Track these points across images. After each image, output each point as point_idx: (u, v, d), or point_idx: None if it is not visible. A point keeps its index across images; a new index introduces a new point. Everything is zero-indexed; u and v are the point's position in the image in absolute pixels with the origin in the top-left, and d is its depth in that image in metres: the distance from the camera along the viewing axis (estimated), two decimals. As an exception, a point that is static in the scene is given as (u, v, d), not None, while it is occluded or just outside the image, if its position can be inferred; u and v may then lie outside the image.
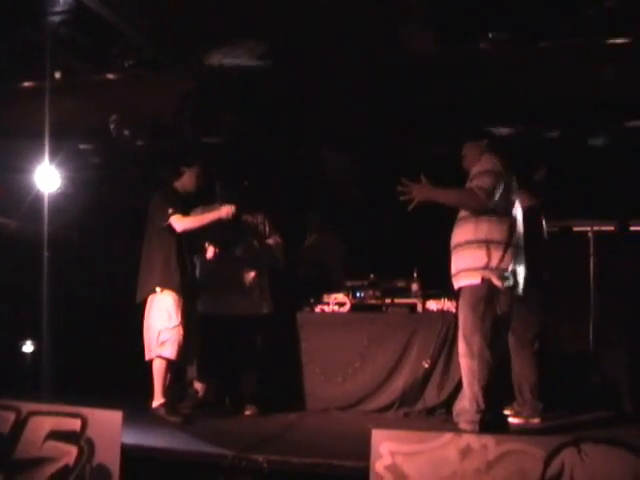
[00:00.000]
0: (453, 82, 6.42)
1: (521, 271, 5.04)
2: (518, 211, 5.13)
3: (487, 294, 4.91)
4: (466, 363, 4.96)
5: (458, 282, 5.10)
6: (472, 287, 4.98)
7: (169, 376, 5.74)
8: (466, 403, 4.94)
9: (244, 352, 6.19)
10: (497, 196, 4.93)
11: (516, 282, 4.99)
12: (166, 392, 5.71)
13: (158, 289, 5.73)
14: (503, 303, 4.95)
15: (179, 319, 5.72)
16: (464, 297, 5.05)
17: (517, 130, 7.05)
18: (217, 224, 6.04)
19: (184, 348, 5.75)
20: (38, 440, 4.36)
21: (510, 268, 4.92)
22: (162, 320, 5.73)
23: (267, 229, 6.45)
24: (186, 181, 6.09)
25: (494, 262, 4.91)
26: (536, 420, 5.76)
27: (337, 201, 7.97)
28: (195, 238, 6.02)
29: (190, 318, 5.86)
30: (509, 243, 4.96)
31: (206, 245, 6.11)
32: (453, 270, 5.12)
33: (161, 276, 5.75)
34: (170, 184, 6.08)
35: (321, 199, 8.00)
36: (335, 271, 7.21)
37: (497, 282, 4.89)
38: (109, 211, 7.04)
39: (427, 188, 5.06)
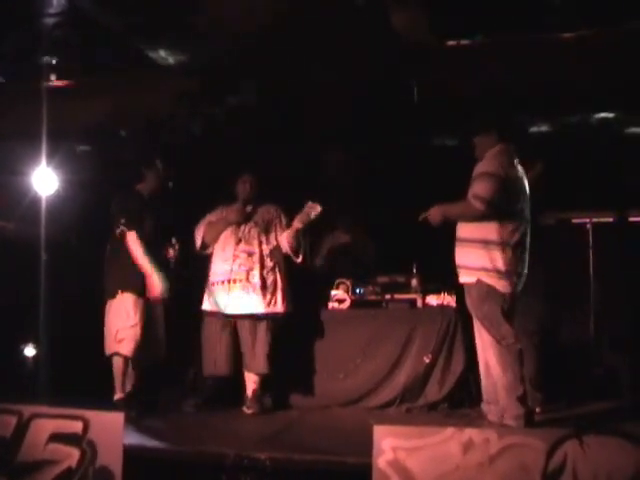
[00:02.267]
0: (454, 74, 6.41)
1: (523, 270, 5.06)
2: (527, 209, 5.13)
3: (486, 293, 4.97)
4: (494, 352, 5.00)
5: (460, 276, 5.17)
6: (471, 286, 5.06)
7: (129, 372, 5.87)
8: (503, 394, 4.95)
9: (250, 351, 6.17)
10: (498, 200, 4.91)
11: (516, 282, 5.02)
12: (124, 387, 5.84)
13: (119, 291, 5.83)
14: (508, 302, 5.01)
15: (137, 319, 5.81)
16: (468, 294, 5.13)
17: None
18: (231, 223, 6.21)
19: (148, 348, 5.88)
20: (40, 443, 4.35)
21: (508, 269, 4.95)
22: (120, 319, 5.82)
23: (283, 224, 6.36)
24: (148, 183, 6.16)
25: (491, 263, 4.95)
26: (536, 410, 5.77)
27: (336, 198, 7.96)
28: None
29: (154, 318, 5.99)
30: (510, 244, 4.97)
31: (171, 243, 6.15)
32: (456, 261, 5.18)
33: (120, 278, 5.86)
34: (133, 187, 6.12)
35: (320, 197, 7.99)
36: (367, 267, 7.15)
37: (493, 283, 4.95)
38: (106, 213, 7.01)
39: (438, 209, 5.10)
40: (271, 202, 6.44)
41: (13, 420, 4.42)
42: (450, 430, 3.92)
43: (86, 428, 4.30)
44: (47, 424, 4.40)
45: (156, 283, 5.82)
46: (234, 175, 6.39)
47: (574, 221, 7.47)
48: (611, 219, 7.47)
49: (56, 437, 4.34)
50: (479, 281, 4.98)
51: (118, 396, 5.81)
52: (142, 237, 5.83)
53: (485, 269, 4.95)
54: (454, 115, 6.74)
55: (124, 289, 5.82)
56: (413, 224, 5.32)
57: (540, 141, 7.30)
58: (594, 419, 5.44)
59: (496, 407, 5.08)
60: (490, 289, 4.96)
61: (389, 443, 3.89)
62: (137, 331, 5.80)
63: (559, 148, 7.07)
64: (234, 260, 6.16)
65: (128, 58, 6.46)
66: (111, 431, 4.27)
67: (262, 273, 6.17)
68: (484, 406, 5.26)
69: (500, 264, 4.95)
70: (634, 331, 6.82)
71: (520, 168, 5.18)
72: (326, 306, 6.57)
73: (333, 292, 6.57)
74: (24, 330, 6.74)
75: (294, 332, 6.38)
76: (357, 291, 6.59)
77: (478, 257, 4.98)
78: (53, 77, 6.76)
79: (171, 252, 6.13)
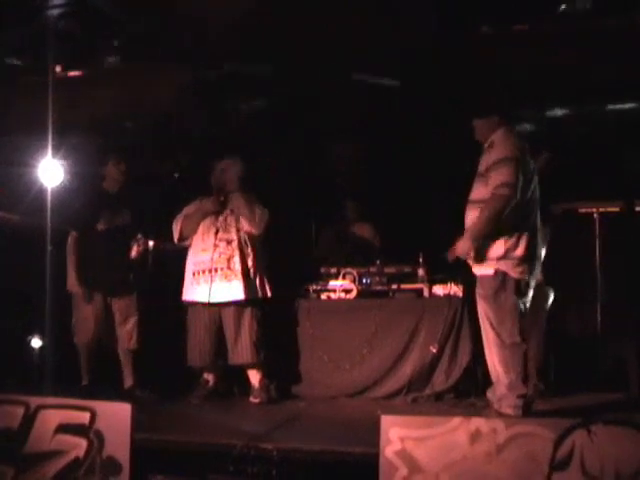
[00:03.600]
0: (456, 64, 6.38)
1: (538, 255, 5.01)
2: (536, 193, 5.06)
3: (502, 284, 4.88)
4: (498, 353, 4.92)
5: (474, 268, 5.07)
6: (487, 278, 4.95)
7: (88, 359, 6.27)
8: (503, 389, 4.91)
9: (234, 342, 6.17)
10: (519, 183, 4.82)
11: (532, 267, 4.95)
12: (88, 374, 6.26)
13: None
14: (522, 290, 4.91)
15: (88, 312, 6.19)
16: (481, 287, 5.02)
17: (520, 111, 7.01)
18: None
19: (107, 339, 6.27)
20: (47, 434, 4.38)
21: (524, 254, 4.87)
22: (76, 312, 6.27)
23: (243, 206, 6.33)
24: (107, 181, 6.29)
25: (508, 252, 4.86)
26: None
27: (342, 190, 7.95)
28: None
29: (108, 310, 6.30)
30: (523, 229, 4.89)
31: (135, 241, 6.23)
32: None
33: (71, 276, 6.23)
34: (99, 185, 6.32)
35: (326, 189, 7.98)
36: (372, 258, 7.12)
37: (512, 273, 4.86)
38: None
39: (463, 241, 4.94)
40: (250, 191, 6.42)
41: (20, 411, 4.44)
42: (457, 420, 3.92)
43: (93, 418, 4.32)
44: (54, 415, 4.42)
45: (70, 283, 6.19)
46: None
47: (580, 211, 7.44)
48: (618, 209, 7.44)
49: (63, 428, 4.37)
50: (497, 271, 4.89)
51: (83, 383, 6.22)
52: (90, 236, 6.19)
53: (503, 257, 4.86)
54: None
55: (71, 289, 6.24)
56: (420, 214, 5.30)
57: (547, 130, 7.27)
58: (601, 409, 5.42)
59: None
60: (508, 278, 4.87)
61: (396, 433, 3.89)
62: (87, 324, 6.17)
63: (565, 137, 7.06)
64: (214, 249, 6.18)
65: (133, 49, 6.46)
66: (118, 421, 4.29)
67: (242, 259, 6.20)
68: (489, 394, 5.23)
69: (518, 251, 4.86)
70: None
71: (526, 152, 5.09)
72: (330, 297, 6.57)
73: (339, 282, 6.56)
74: (30, 322, 6.74)
75: (299, 322, 6.39)
76: (364, 281, 6.58)
77: (495, 246, 4.89)
78: (58, 68, 6.75)
79: (135, 249, 6.25)
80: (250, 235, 6.26)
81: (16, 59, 6.65)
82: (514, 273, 4.88)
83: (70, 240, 6.22)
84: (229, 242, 6.21)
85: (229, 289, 6.12)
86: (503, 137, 5.02)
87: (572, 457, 3.66)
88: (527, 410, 4.84)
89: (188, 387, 6.31)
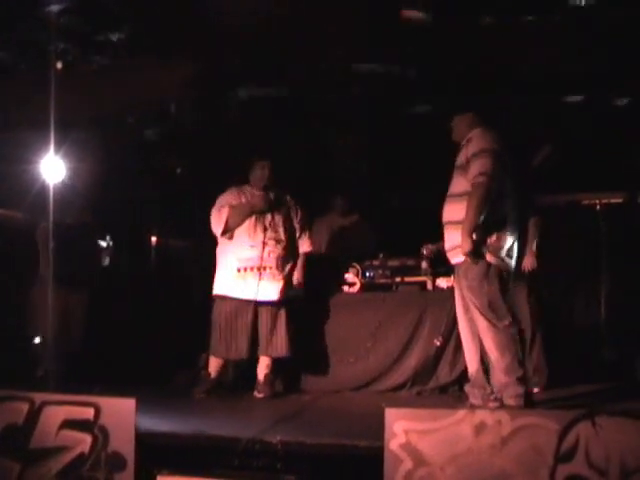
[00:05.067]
0: (453, 53, 6.38)
1: (514, 247, 5.03)
2: (513, 186, 5.08)
3: (486, 271, 4.91)
4: (492, 336, 4.91)
5: (454, 258, 5.08)
6: (471, 266, 4.95)
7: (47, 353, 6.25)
8: (502, 376, 4.89)
9: (268, 335, 6.19)
10: (497, 174, 4.88)
11: (510, 257, 5.00)
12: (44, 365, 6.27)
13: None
14: (504, 279, 4.96)
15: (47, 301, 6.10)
16: (465, 275, 5.01)
17: (522, 101, 7.01)
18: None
19: (63, 334, 6.27)
20: (52, 429, 4.38)
21: (503, 245, 4.92)
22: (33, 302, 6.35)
23: (298, 213, 6.44)
24: (81, 178, 6.29)
25: (490, 241, 4.89)
26: (536, 389, 5.81)
27: (344, 182, 7.95)
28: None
29: (69, 307, 6.34)
30: (501, 220, 4.94)
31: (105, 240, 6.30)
32: (447, 246, 5.13)
33: (44, 260, 6.26)
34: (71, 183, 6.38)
35: (328, 180, 7.98)
36: (365, 252, 7.14)
37: (491, 259, 4.90)
38: (114, 201, 7.03)
39: (462, 239, 4.89)
40: (282, 189, 6.45)
41: (25, 407, 4.44)
42: (462, 412, 3.92)
43: (97, 414, 4.32)
44: (58, 411, 4.41)
45: (44, 266, 6.22)
46: (244, 160, 6.41)
47: (584, 202, 7.44)
48: (620, 200, 7.44)
49: (68, 423, 4.36)
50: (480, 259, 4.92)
51: (39, 373, 6.26)
52: (59, 231, 6.11)
53: (487, 245, 4.89)
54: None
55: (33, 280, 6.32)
56: (423, 207, 5.29)
57: (549, 123, 7.26)
58: (606, 401, 5.42)
59: (480, 391, 5.03)
60: (491, 267, 4.91)
61: (401, 426, 3.89)
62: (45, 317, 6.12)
63: (568, 129, 7.05)
64: (263, 247, 6.17)
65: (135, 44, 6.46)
66: (123, 416, 4.29)
67: (289, 260, 6.30)
68: (467, 388, 5.22)
69: (502, 241, 4.92)
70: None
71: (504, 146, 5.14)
72: (336, 290, 6.57)
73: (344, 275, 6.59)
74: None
75: (304, 316, 6.39)
76: (367, 274, 6.58)
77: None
78: (60, 64, 6.74)
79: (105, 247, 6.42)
80: (293, 238, 6.37)
81: (17, 54, 6.65)
82: (496, 261, 4.91)
83: (41, 230, 6.25)
84: (278, 241, 6.23)
85: (276, 288, 6.17)
86: (481, 133, 5.08)
87: (577, 449, 3.67)
88: (529, 402, 4.82)
89: (194, 382, 6.33)
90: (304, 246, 6.42)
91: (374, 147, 7.95)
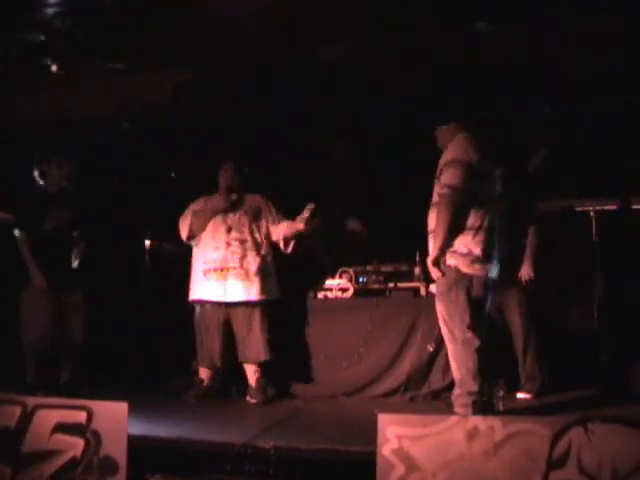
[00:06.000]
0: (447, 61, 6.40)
1: (496, 255, 5.01)
2: (494, 193, 5.11)
3: (456, 279, 4.89)
4: (450, 348, 4.96)
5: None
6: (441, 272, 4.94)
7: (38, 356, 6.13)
8: (456, 387, 4.94)
9: (245, 341, 6.19)
10: (466, 185, 4.86)
11: (490, 265, 4.97)
12: (37, 371, 6.10)
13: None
14: (476, 287, 4.92)
15: (41, 308, 6.08)
16: (437, 282, 5.04)
17: (515, 109, 7.02)
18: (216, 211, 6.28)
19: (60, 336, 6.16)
20: (45, 433, 4.37)
21: (480, 253, 4.90)
22: (28, 309, 6.13)
23: (272, 210, 6.43)
24: (49, 181, 6.30)
25: (461, 248, 4.89)
26: (529, 396, 5.85)
27: (339, 188, 7.95)
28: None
29: (63, 310, 6.20)
30: (481, 228, 4.92)
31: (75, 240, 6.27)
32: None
33: (36, 272, 6.10)
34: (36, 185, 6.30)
35: (323, 186, 7.98)
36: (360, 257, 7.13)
37: (464, 268, 4.88)
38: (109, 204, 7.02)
39: (429, 259, 4.93)
40: (256, 191, 6.48)
41: (17, 411, 4.43)
42: (454, 418, 3.94)
43: (90, 418, 4.31)
44: (51, 414, 4.40)
45: (37, 277, 6.07)
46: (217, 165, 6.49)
47: (578, 209, 7.44)
48: (614, 207, 7.44)
49: (60, 427, 4.35)
50: (449, 267, 4.91)
51: (28, 380, 6.06)
52: (37, 235, 6.10)
53: (456, 253, 4.90)
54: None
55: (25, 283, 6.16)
56: (417, 212, 5.29)
57: (543, 127, 7.27)
58: (598, 407, 5.43)
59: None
60: (459, 274, 4.89)
61: (393, 431, 3.89)
62: (42, 320, 6.08)
63: (562, 135, 7.06)
64: (227, 248, 6.19)
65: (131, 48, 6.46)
66: (115, 420, 4.28)
67: (256, 260, 6.22)
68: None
69: (473, 248, 4.90)
70: (638, 319, 6.81)
71: (486, 153, 5.11)
72: (327, 295, 6.58)
73: (336, 281, 6.57)
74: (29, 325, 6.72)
75: (297, 321, 6.40)
76: (360, 280, 6.59)
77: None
78: (54, 68, 6.74)
79: (74, 248, 6.29)
80: (268, 237, 6.35)
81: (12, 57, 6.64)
82: (468, 269, 4.89)
83: (20, 239, 6.13)
84: (242, 242, 6.23)
85: (243, 288, 6.15)
86: (456, 142, 5.08)
87: (569, 455, 3.67)
88: (481, 410, 4.73)
89: (187, 386, 6.33)
90: (296, 225, 6.28)
91: (367, 151, 7.94)
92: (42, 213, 6.16)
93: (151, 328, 6.94)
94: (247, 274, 6.17)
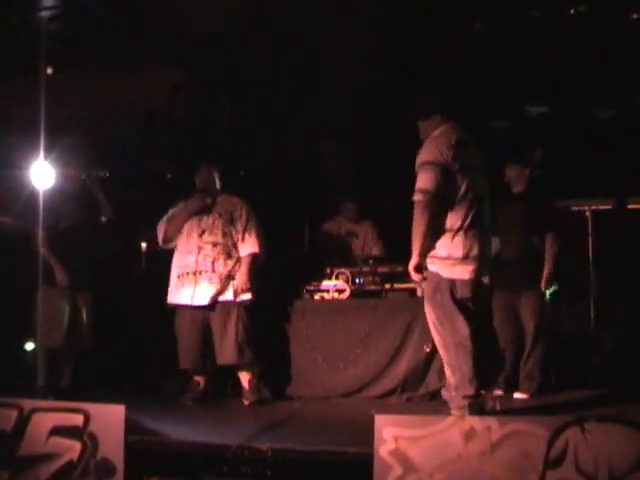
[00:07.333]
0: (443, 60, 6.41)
1: (483, 255, 4.86)
2: (477, 189, 4.89)
3: (438, 283, 4.79)
4: (444, 355, 4.89)
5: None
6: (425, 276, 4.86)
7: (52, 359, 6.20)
8: (451, 390, 4.85)
9: (219, 343, 6.18)
10: (440, 188, 4.69)
11: (475, 268, 4.80)
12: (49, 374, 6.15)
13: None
14: (459, 289, 4.78)
15: (51, 310, 6.12)
16: (423, 287, 4.99)
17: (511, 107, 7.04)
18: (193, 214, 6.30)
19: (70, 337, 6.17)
20: (42, 436, 4.37)
21: (460, 255, 4.76)
22: (45, 311, 6.15)
23: (242, 215, 6.33)
24: (66, 183, 6.38)
25: (440, 252, 4.78)
26: (526, 396, 5.85)
27: (332, 188, 7.95)
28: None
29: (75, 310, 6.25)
30: (461, 229, 4.76)
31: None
32: None
33: (59, 271, 6.17)
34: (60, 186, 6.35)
35: (315, 186, 7.99)
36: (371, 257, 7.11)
37: (444, 273, 4.77)
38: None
39: (411, 262, 4.81)
40: (233, 193, 6.45)
41: (14, 414, 4.44)
42: (451, 419, 3.95)
43: (87, 421, 4.32)
44: (48, 418, 4.41)
45: (58, 275, 6.11)
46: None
47: (573, 208, 7.45)
48: (610, 206, 7.46)
49: (57, 430, 4.36)
50: (431, 271, 4.80)
51: (40, 383, 6.06)
52: (54, 235, 6.14)
53: (436, 257, 4.79)
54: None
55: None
56: (412, 212, 5.27)
57: (539, 127, 7.29)
58: (594, 406, 5.43)
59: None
60: (442, 278, 4.78)
61: (390, 432, 3.89)
62: (51, 322, 6.10)
63: (558, 134, 7.08)
64: (199, 251, 6.19)
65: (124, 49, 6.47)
66: (112, 423, 4.29)
67: (228, 263, 6.21)
68: (443, 393, 5.19)
69: (452, 251, 4.76)
70: (634, 318, 6.82)
71: (467, 147, 4.92)
72: (323, 297, 6.57)
73: (333, 282, 6.57)
74: (24, 325, 6.72)
75: (293, 322, 6.40)
76: (357, 281, 6.58)
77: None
78: (50, 70, 6.75)
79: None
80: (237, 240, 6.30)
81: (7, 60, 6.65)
82: (448, 273, 4.77)
83: (41, 239, 6.13)
84: (215, 245, 6.21)
85: (212, 292, 6.13)
86: (431, 139, 4.90)
87: (566, 454, 3.68)
88: (477, 410, 4.70)
89: (183, 389, 6.32)
90: (246, 248, 6.24)
91: (363, 152, 7.95)
92: (59, 212, 6.17)
93: (148, 331, 6.92)
94: (218, 277, 6.16)
